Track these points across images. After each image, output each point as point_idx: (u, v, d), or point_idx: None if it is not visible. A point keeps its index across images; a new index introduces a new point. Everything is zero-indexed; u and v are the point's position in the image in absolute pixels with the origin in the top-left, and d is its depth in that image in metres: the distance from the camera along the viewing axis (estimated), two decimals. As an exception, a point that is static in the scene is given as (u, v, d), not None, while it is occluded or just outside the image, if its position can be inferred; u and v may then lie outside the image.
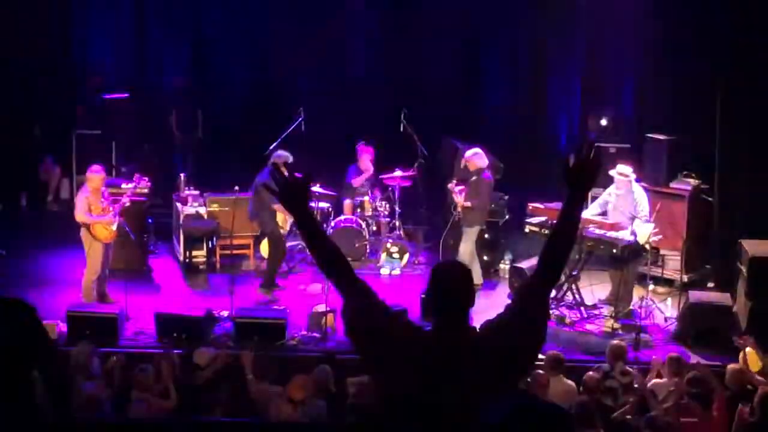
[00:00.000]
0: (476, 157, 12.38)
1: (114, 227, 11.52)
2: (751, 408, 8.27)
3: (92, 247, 11.45)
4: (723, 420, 8.31)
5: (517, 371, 4.12)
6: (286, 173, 4.04)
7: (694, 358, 10.41)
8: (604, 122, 14.29)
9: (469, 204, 12.29)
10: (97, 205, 11.45)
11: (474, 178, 12.37)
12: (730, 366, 9.20)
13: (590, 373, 9.03)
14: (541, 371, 8.92)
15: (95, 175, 11.49)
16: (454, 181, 12.76)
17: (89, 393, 8.25)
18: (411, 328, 4.02)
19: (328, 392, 8.57)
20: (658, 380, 9.17)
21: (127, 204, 11.79)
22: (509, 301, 4.15)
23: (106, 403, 8.32)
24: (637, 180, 11.85)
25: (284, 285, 12.49)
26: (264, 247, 12.85)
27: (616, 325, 11.23)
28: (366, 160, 13.89)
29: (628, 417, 8.42)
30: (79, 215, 11.41)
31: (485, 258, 13.24)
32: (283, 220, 12.29)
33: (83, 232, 11.47)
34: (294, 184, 4.04)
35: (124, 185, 12.47)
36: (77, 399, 8.07)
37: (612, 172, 11.61)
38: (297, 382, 8.44)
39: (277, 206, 11.86)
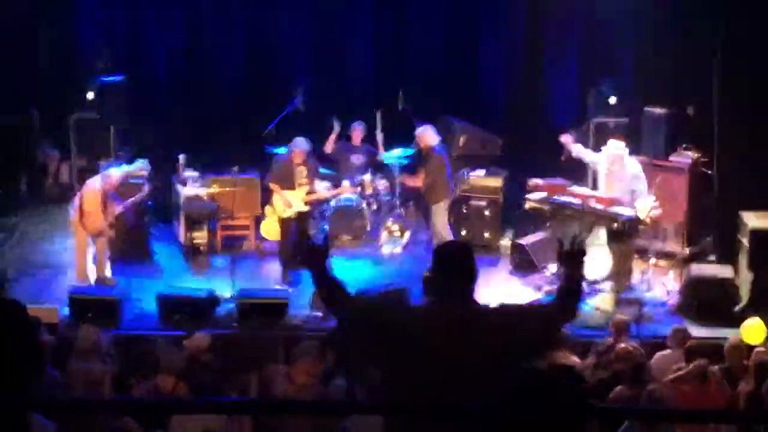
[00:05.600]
0: (426, 135, 12.46)
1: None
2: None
3: (76, 228, 11.54)
4: (720, 393, 8.32)
5: (519, 356, 4.14)
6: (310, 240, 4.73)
7: (696, 331, 10.43)
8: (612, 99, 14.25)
9: (426, 182, 12.47)
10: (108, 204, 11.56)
11: (427, 155, 12.50)
12: (730, 338, 9.22)
13: (598, 348, 9.01)
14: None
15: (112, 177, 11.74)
16: (404, 175, 13.12)
17: (95, 373, 8.28)
18: (410, 309, 4.08)
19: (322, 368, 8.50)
20: (663, 352, 9.20)
21: (121, 211, 11.89)
22: (539, 299, 4.27)
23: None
24: (631, 153, 11.81)
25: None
26: (264, 228, 12.81)
27: (618, 300, 11.23)
28: (357, 138, 13.85)
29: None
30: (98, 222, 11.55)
31: (486, 235, 13.26)
32: (286, 203, 12.14)
33: (72, 216, 11.50)
34: (316, 248, 4.54)
35: (125, 166, 12.47)
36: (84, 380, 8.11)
37: (604, 149, 11.61)
38: (301, 367, 8.35)
39: (273, 185, 11.93)
